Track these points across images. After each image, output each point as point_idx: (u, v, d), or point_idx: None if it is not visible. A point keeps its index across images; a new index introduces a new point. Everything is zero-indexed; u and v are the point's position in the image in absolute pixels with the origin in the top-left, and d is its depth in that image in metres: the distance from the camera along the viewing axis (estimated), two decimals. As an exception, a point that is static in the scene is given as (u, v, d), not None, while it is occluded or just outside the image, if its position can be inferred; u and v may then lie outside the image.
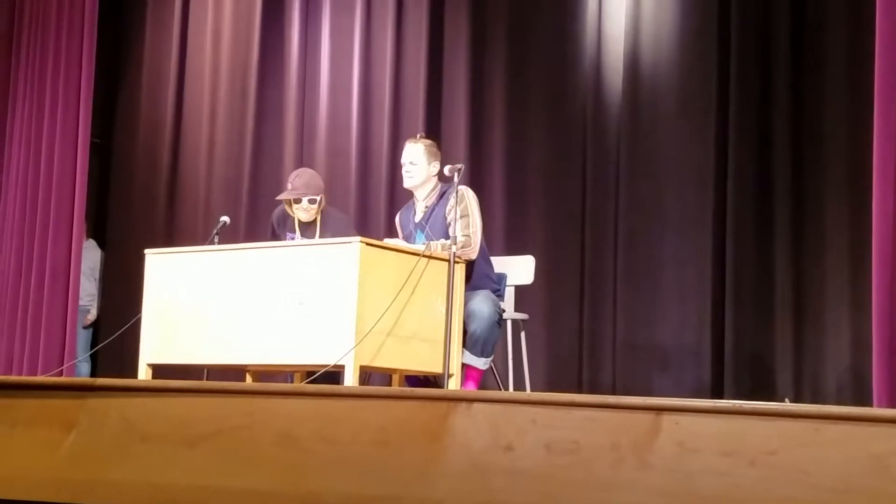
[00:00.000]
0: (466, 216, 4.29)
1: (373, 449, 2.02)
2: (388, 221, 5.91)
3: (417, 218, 4.46)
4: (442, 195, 4.42)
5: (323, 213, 4.78)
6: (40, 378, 3.32)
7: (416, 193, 4.49)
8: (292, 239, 4.73)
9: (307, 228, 4.77)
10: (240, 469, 2.08)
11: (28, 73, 6.17)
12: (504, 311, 4.40)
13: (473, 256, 4.29)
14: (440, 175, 4.47)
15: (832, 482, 1.91)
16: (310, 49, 6.59)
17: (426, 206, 4.39)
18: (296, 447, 2.05)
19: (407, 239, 4.47)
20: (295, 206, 4.71)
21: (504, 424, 2.03)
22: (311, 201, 4.68)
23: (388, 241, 4.21)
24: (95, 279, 6.67)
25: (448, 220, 4.29)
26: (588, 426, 1.98)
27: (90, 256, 6.58)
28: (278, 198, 4.82)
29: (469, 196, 4.35)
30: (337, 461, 2.02)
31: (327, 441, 2.04)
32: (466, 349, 4.19)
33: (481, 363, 4.23)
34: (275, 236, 4.88)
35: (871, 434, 1.94)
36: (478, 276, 4.35)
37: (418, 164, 4.41)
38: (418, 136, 4.61)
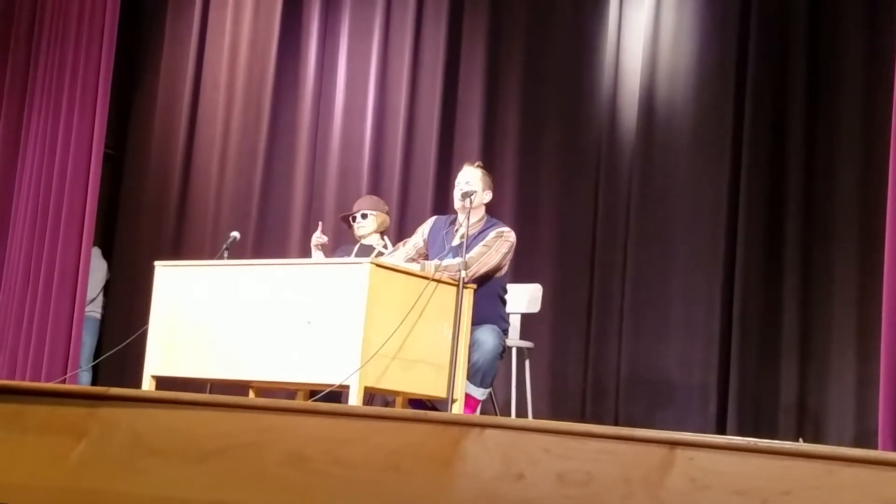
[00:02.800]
0: (489, 248, 4.28)
1: (383, 472, 2.00)
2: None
3: (455, 242, 4.40)
4: (487, 228, 4.39)
5: (382, 237, 5.02)
6: (52, 385, 3.31)
7: (460, 217, 4.44)
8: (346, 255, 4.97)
9: (364, 252, 4.87)
10: (248, 486, 2.07)
11: (45, 81, 6.20)
12: (505, 349, 4.38)
13: (466, 277, 4.21)
14: (488, 206, 4.48)
15: (844, 526, 1.89)
16: (326, 70, 6.63)
17: (467, 234, 4.26)
18: (306, 467, 2.04)
19: (430, 247, 4.47)
20: (355, 226, 5.04)
21: (516, 452, 2.01)
22: (364, 216, 4.93)
23: (393, 262, 4.18)
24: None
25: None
26: (601, 458, 1.97)
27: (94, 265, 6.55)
28: (342, 216, 5.24)
29: (507, 237, 4.34)
30: (347, 483, 2.01)
31: (337, 462, 2.03)
32: (467, 378, 4.17)
33: (479, 393, 4.23)
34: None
35: (885, 479, 1.93)
36: (490, 311, 4.34)
37: (475, 190, 4.38)
38: (476, 163, 4.58)
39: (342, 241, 5.50)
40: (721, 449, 1.95)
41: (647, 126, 5.65)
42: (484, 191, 4.44)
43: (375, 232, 5.03)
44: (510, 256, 4.41)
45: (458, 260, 4.09)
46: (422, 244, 4.54)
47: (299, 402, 3.78)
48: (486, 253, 4.28)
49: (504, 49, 6.18)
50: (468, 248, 4.17)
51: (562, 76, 6.00)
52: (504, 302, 4.53)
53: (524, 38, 6.12)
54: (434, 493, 2.00)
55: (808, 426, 5.08)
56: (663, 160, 5.62)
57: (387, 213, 5.15)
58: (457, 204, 4.42)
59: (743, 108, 5.42)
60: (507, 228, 4.41)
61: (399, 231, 6.07)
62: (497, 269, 4.36)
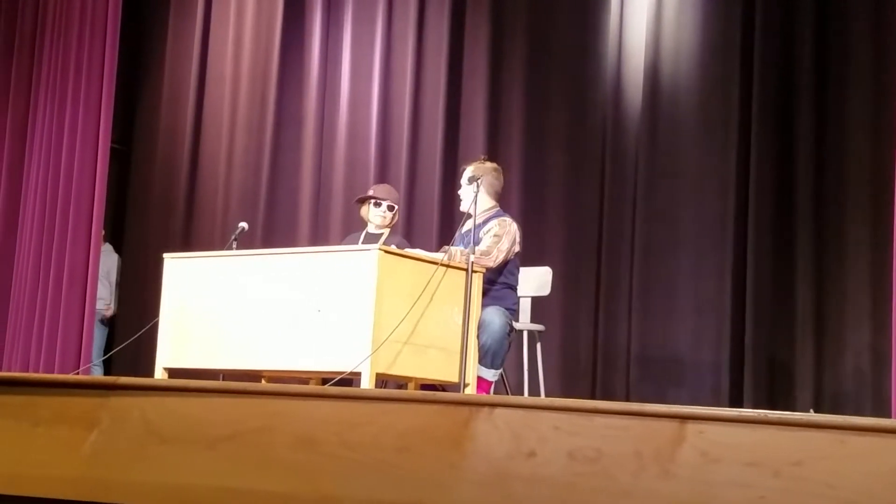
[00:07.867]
0: (499, 237, 4.34)
1: (393, 454, 2.01)
2: (408, 232, 5.91)
3: (464, 229, 4.45)
4: (491, 218, 4.45)
5: (392, 230, 4.96)
6: (63, 376, 3.33)
7: (466, 206, 4.47)
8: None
9: (371, 240, 4.85)
10: (258, 471, 2.07)
11: (50, 77, 6.20)
12: (513, 329, 4.39)
13: (491, 265, 4.28)
14: (498, 198, 4.54)
15: (857, 496, 1.88)
16: (330, 60, 6.62)
17: (475, 224, 4.28)
18: (315, 450, 2.04)
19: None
20: (373, 210, 4.88)
21: (526, 431, 2.01)
22: (390, 207, 4.89)
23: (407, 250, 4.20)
24: (111, 283, 6.69)
25: (481, 236, 4.33)
26: (611, 434, 1.97)
27: (106, 260, 6.59)
28: (360, 197, 5.02)
29: (511, 227, 4.41)
30: (356, 465, 2.01)
31: (347, 445, 2.03)
32: (477, 361, 4.19)
33: (490, 375, 4.25)
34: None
35: (898, 447, 1.92)
36: (499, 296, 4.36)
37: (480, 175, 4.39)
38: (482, 157, 4.62)
39: (350, 230, 5.48)
40: (731, 422, 1.95)
41: (652, 104, 5.62)
42: (490, 183, 4.48)
43: (389, 227, 5.00)
44: (517, 242, 4.44)
45: (480, 248, 4.15)
46: None
47: (307, 387, 3.79)
48: (498, 240, 4.34)
49: (508, 32, 6.16)
50: (476, 237, 4.21)
51: (566, 57, 5.97)
52: (514, 289, 4.55)
53: (527, 21, 6.10)
54: (445, 473, 2.00)
55: (824, 400, 5.06)
56: (670, 137, 5.59)
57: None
58: (462, 206, 4.47)
59: (750, 82, 5.38)
60: (510, 219, 4.47)
61: (407, 219, 6.06)
62: (510, 252, 4.40)
